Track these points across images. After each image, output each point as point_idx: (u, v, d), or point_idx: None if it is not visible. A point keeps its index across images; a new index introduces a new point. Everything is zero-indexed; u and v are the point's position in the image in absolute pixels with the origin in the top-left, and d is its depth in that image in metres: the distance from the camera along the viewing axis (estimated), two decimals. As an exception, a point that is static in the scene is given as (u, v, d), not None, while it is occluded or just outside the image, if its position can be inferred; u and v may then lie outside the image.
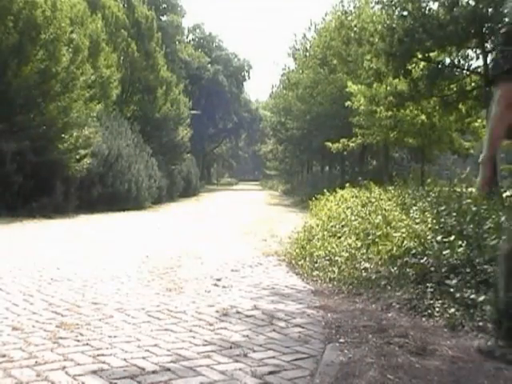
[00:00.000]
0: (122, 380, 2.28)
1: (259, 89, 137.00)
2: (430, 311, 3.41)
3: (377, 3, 11.28)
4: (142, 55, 20.82)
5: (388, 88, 11.11)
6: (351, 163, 24.21)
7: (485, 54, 9.53)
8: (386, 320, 3.30)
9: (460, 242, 4.22)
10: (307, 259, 5.38)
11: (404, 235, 4.92)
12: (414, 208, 6.40)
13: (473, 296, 3.38)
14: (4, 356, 2.51)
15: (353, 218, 6.94)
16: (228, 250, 6.61)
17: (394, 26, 9.64)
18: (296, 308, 3.61)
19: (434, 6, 9.76)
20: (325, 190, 12.17)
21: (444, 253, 4.11)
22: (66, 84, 11.89)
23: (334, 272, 4.72)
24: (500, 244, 3.08)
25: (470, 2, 9.09)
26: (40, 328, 3.00)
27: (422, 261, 4.17)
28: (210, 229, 9.45)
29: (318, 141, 22.40)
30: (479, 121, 12.40)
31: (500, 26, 3.22)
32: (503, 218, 4.52)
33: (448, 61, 10.35)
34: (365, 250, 5.20)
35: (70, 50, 12.22)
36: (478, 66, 10.02)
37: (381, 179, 13.55)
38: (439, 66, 10.14)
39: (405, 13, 9.73)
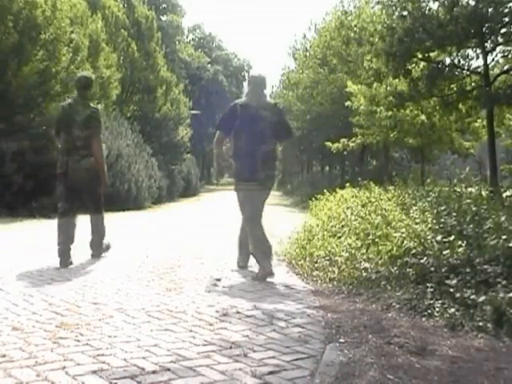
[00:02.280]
0: (122, 380, 2.28)
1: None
2: (429, 311, 3.41)
3: (377, 3, 11.29)
4: (142, 55, 20.84)
5: (388, 88, 11.11)
6: (351, 163, 24.22)
7: (485, 53, 9.53)
8: (385, 320, 3.30)
9: (460, 242, 4.22)
10: (307, 259, 5.38)
11: (404, 235, 4.93)
12: (414, 208, 6.41)
13: (473, 296, 3.38)
14: (4, 356, 2.51)
15: (353, 218, 6.94)
16: (228, 249, 6.60)
17: (393, 26, 9.64)
18: (296, 308, 3.61)
19: (434, 5, 9.77)
20: (325, 190, 12.17)
21: (444, 253, 4.12)
22: (65, 84, 11.90)
23: (334, 272, 4.72)
24: None
25: (470, 2, 9.10)
26: (40, 328, 3.00)
27: (422, 261, 4.17)
28: (210, 229, 9.45)
29: (318, 141, 22.42)
30: (479, 121, 12.43)
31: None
32: (503, 218, 4.53)
33: (448, 61, 10.35)
34: (365, 250, 5.20)
35: (70, 49, 12.22)
36: (478, 66, 10.02)
37: (381, 179, 13.57)
38: (439, 66, 10.14)
39: (405, 13, 9.73)
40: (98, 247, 5.71)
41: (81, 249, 6.26)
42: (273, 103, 5.42)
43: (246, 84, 56.80)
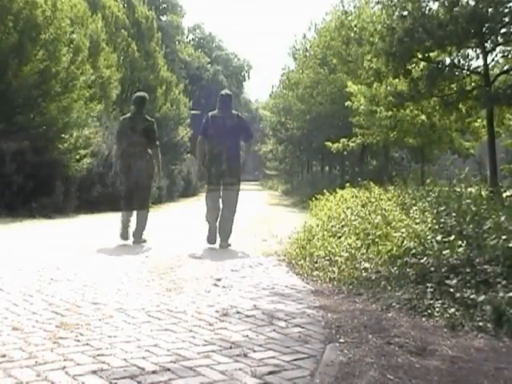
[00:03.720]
0: (122, 380, 2.28)
1: (259, 89, 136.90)
2: (429, 311, 3.41)
3: (377, 3, 11.28)
4: (142, 55, 20.83)
5: (388, 88, 11.10)
6: (351, 163, 24.19)
7: (485, 53, 9.52)
8: (385, 320, 3.30)
9: (460, 242, 4.22)
10: (307, 259, 5.39)
11: (404, 235, 4.93)
12: (414, 208, 6.41)
13: (473, 296, 3.38)
14: (4, 356, 2.51)
15: (353, 217, 6.95)
16: (228, 249, 6.61)
17: (393, 26, 9.63)
18: (296, 308, 3.61)
19: (434, 5, 9.76)
20: (325, 190, 12.17)
21: (444, 253, 4.11)
22: (66, 84, 11.89)
23: (334, 272, 4.72)
24: None
25: (470, 2, 9.09)
26: (40, 328, 3.01)
27: (422, 261, 4.18)
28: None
29: (318, 141, 22.39)
30: (479, 121, 12.41)
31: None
32: (503, 218, 4.53)
33: (448, 61, 10.34)
34: (365, 250, 5.20)
35: (71, 50, 12.22)
36: (478, 66, 10.01)
37: (381, 179, 13.56)
38: (439, 66, 10.13)
39: (405, 13, 9.72)
40: (139, 236, 6.97)
41: (84, 247, 6.27)
42: (236, 114, 6.92)
43: (245, 84, 56.96)
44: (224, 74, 47.28)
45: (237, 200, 6.71)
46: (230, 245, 6.67)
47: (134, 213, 7.01)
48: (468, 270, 3.77)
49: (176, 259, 5.65)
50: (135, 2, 22.31)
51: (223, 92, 7.13)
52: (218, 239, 6.73)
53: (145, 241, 7.01)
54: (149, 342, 2.80)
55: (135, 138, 6.85)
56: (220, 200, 6.68)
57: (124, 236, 6.89)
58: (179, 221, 11.76)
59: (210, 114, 6.82)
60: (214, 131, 6.62)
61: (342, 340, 2.89)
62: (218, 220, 6.67)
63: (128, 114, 7.29)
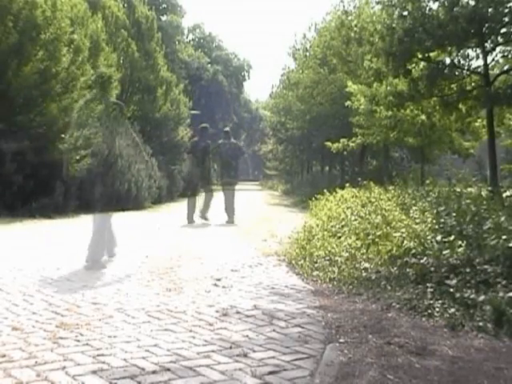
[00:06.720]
0: (122, 380, 2.28)
1: (259, 89, 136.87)
2: (429, 311, 3.41)
3: (377, 3, 11.28)
4: (141, 55, 20.80)
5: (388, 88, 11.09)
6: (351, 163, 24.18)
7: (485, 53, 9.51)
8: (385, 320, 3.30)
9: (460, 242, 4.23)
10: (307, 259, 5.38)
11: (404, 235, 4.93)
12: (414, 208, 6.41)
13: (473, 296, 3.38)
14: (4, 356, 2.52)
15: (353, 218, 6.95)
16: (228, 249, 6.61)
17: (393, 26, 9.62)
18: (296, 308, 3.61)
19: (434, 5, 9.74)
20: (325, 190, 12.17)
21: (444, 253, 4.12)
22: (66, 84, 11.89)
23: (334, 272, 4.72)
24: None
25: (470, 1, 9.08)
26: (40, 328, 3.01)
27: (422, 261, 4.18)
28: (209, 229, 9.45)
29: (318, 141, 22.39)
30: (479, 121, 12.39)
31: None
32: (503, 218, 4.53)
33: (448, 61, 10.33)
34: (365, 250, 5.21)
35: (71, 50, 12.21)
36: (478, 66, 10.00)
37: (381, 179, 13.55)
38: (439, 66, 10.12)
39: (405, 13, 9.71)
40: (204, 214, 10.58)
41: (83, 247, 6.27)
42: (235, 142, 11.96)
43: (245, 84, 57.07)
44: (224, 74, 47.23)
45: (234, 193, 11.08)
46: (233, 220, 10.51)
47: (197, 203, 10.57)
48: (468, 269, 3.77)
49: (176, 259, 5.65)
50: (135, 2, 22.27)
51: (225, 129, 12.43)
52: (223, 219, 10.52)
53: (208, 218, 10.43)
54: (149, 341, 2.80)
55: (198, 153, 10.94)
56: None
57: (190, 220, 10.30)
58: (179, 220, 11.74)
59: (220, 142, 11.54)
60: (222, 152, 11.20)
61: (341, 340, 2.89)
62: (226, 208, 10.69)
63: (195, 138, 11.64)
